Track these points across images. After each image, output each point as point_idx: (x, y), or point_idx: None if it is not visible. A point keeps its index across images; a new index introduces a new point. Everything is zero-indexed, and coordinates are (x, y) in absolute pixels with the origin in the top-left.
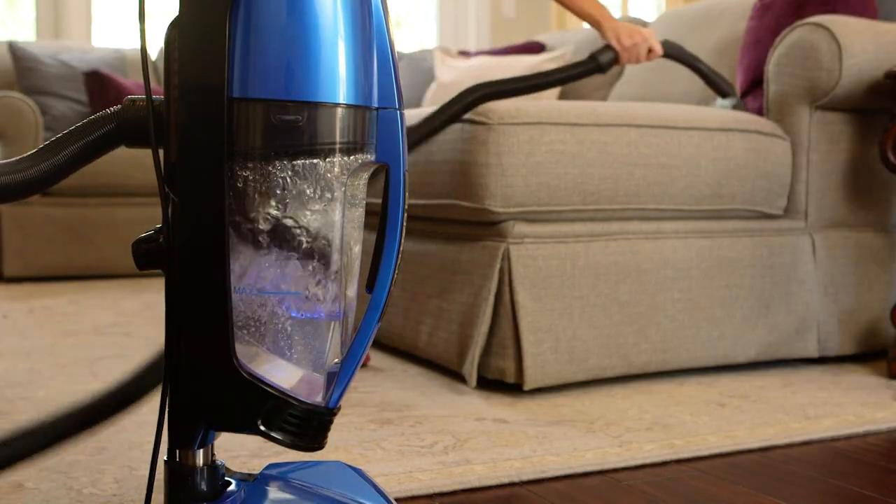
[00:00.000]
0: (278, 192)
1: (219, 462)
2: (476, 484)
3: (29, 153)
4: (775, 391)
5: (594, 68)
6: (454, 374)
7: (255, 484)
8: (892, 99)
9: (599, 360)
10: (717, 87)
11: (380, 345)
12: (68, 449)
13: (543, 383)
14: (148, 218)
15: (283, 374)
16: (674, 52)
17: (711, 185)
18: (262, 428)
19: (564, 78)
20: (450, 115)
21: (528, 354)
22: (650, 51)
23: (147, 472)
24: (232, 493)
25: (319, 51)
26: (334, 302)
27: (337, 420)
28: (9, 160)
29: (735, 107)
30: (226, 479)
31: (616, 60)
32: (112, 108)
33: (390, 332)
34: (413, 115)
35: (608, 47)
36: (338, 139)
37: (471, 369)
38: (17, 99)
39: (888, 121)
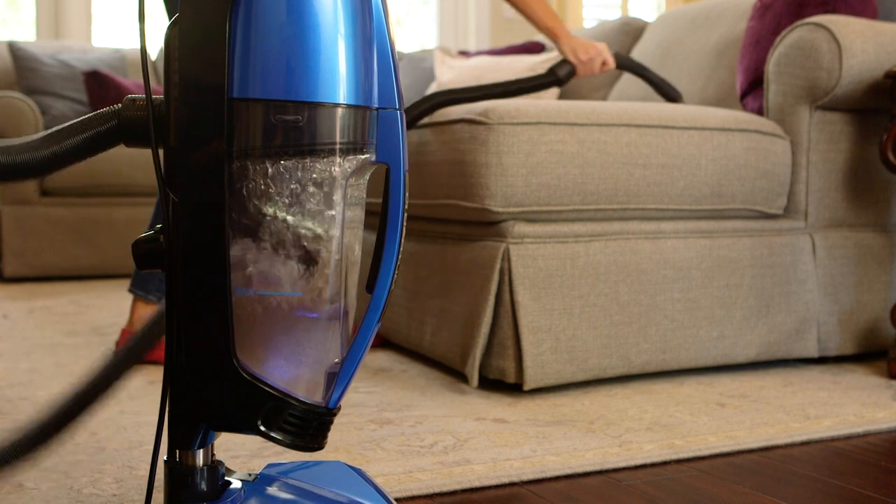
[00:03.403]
0: (278, 192)
1: (219, 462)
2: (476, 484)
3: (32, 137)
4: (775, 391)
5: (554, 81)
6: (454, 374)
7: (255, 484)
8: (892, 99)
9: (599, 360)
10: (667, 94)
11: (385, 343)
12: (68, 449)
13: (543, 383)
14: (148, 218)
15: (283, 374)
16: (625, 63)
17: (711, 185)
18: (262, 428)
19: (525, 88)
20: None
21: (528, 354)
22: (604, 63)
23: (147, 472)
24: (232, 492)
25: (319, 51)
26: (334, 302)
27: (337, 420)
28: (12, 141)
29: None
30: (226, 479)
31: (573, 73)
32: (114, 106)
33: (396, 331)
34: None
35: (566, 61)
36: (338, 139)
37: (472, 370)
38: (17, 99)
39: (888, 121)
